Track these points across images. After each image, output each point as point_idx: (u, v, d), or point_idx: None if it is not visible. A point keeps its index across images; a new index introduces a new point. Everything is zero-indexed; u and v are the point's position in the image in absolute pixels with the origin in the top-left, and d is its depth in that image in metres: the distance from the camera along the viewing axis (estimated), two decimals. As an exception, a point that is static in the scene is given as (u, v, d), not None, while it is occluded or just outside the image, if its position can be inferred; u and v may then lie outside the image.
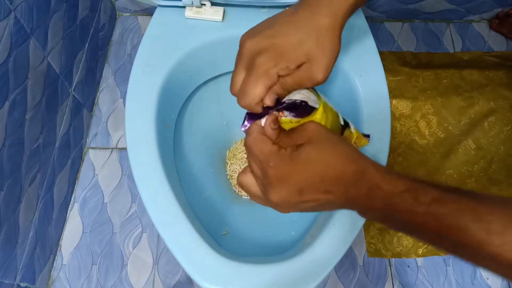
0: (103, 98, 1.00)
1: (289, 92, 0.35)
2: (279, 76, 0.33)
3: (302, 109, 0.34)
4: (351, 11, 0.35)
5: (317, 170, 0.31)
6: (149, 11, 1.10)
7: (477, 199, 0.28)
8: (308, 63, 0.33)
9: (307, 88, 0.35)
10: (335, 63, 0.34)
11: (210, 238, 0.52)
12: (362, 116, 0.57)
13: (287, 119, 0.34)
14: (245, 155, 0.71)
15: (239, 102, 0.34)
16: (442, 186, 0.29)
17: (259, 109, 0.34)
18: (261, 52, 0.33)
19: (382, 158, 0.54)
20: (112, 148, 0.95)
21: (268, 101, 0.33)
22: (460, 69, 1.05)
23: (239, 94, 0.34)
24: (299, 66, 0.33)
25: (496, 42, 1.12)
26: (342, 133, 0.40)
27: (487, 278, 0.86)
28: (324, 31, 0.33)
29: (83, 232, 0.87)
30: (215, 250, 0.48)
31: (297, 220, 0.63)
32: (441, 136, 0.98)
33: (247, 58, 0.34)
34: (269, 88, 0.33)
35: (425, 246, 0.88)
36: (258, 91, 0.33)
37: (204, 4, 0.62)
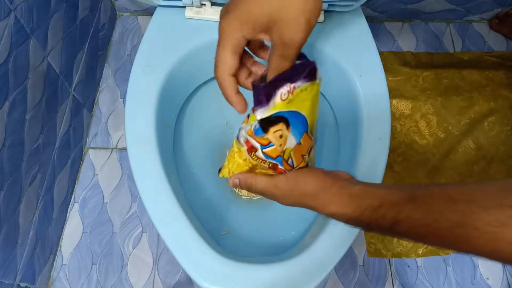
0: (103, 98, 1.00)
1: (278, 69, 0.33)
2: (247, 40, 0.32)
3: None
4: None
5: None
6: (149, 11, 1.10)
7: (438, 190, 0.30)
8: (276, 26, 0.30)
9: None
10: (312, 23, 0.30)
11: (210, 238, 0.52)
12: (362, 116, 0.57)
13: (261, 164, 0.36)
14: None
15: (215, 75, 0.34)
16: (404, 193, 0.31)
17: (233, 84, 0.34)
18: (227, 13, 0.32)
19: (382, 158, 0.54)
20: (112, 148, 0.95)
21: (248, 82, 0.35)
22: (460, 69, 1.05)
23: (214, 68, 0.34)
24: (268, 31, 0.31)
25: (496, 42, 1.13)
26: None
27: (487, 278, 0.86)
28: None
29: (83, 232, 0.87)
30: (215, 250, 0.48)
31: (297, 220, 0.63)
32: (441, 136, 0.98)
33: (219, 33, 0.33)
34: (238, 54, 0.33)
35: (425, 246, 0.88)
36: (225, 56, 0.32)
37: (204, 4, 0.62)
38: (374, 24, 1.14)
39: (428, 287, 0.85)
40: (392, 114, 1.00)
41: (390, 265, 0.86)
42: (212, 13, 0.62)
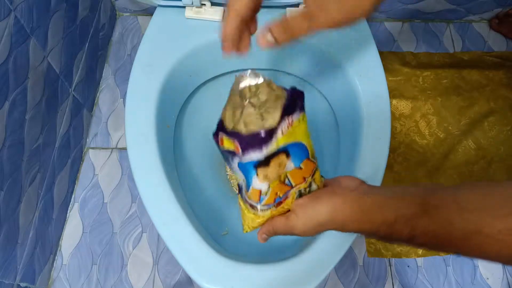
0: (103, 98, 1.00)
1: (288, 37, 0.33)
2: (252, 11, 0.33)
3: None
4: None
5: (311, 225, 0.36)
6: (149, 11, 1.10)
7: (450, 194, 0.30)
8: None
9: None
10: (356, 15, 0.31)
11: (210, 238, 0.52)
12: (362, 116, 0.57)
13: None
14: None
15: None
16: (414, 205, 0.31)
17: (229, 44, 0.34)
18: None
19: (382, 158, 0.54)
20: (112, 148, 0.95)
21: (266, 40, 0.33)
22: (460, 69, 1.05)
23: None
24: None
25: (496, 42, 1.12)
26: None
27: (487, 278, 0.86)
28: None
29: (83, 232, 0.87)
30: (215, 250, 0.48)
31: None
32: (441, 136, 0.98)
33: None
34: (242, 21, 0.33)
35: (425, 246, 0.88)
36: (229, 21, 0.33)
37: (204, 4, 0.62)
38: (374, 24, 1.14)
39: (428, 287, 0.85)
40: (392, 114, 1.00)
41: (390, 265, 0.86)
42: (212, 13, 0.62)
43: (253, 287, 0.46)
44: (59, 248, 0.85)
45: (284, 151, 0.33)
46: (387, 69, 1.03)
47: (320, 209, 0.35)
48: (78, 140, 0.91)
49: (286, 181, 0.35)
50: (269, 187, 0.34)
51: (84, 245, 0.86)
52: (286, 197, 0.36)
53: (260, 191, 0.34)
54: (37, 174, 0.74)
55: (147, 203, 0.50)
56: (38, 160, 0.74)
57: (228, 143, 0.32)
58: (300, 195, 0.37)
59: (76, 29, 0.84)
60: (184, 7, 0.63)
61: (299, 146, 0.34)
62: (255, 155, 0.31)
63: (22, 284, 0.72)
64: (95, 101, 1.00)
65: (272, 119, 0.31)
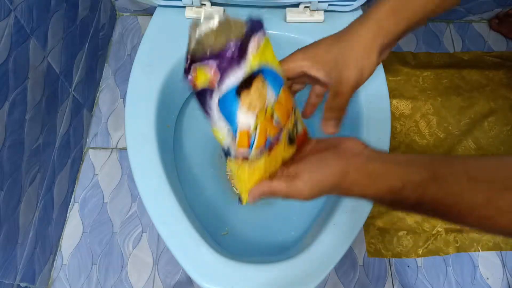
0: (103, 98, 1.00)
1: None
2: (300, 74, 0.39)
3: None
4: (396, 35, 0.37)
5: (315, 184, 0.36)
6: (149, 11, 1.10)
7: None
8: (336, 66, 0.37)
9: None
10: (365, 74, 0.37)
11: (210, 238, 0.52)
12: (362, 116, 0.57)
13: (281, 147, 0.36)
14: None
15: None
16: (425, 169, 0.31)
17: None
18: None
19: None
20: (112, 148, 0.95)
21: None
22: (460, 69, 1.06)
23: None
24: (327, 72, 0.38)
25: (496, 42, 1.13)
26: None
27: (487, 278, 0.86)
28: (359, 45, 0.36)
29: (83, 232, 0.87)
30: (215, 250, 0.48)
31: (297, 220, 0.63)
32: (441, 136, 0.99)
33: None
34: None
35: (425, 246, 0.88)
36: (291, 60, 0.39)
37: (204, 4, 0.62)
38: (374, 24, 1.14)
39: (428, 287, 0.85)
40: (392, 114, 1.00)
41: (390, 265, 0.86)
42: (212, 13, 0.62)
43: (253, 287, 0.46)
44: (59, 248, 0.85)
45: (260, 73, 0.32)
46: (387, 69, 1.03)
47: (327, 174, 0.34)
48: (78, 140, 0.91)
49: (275, 117, 0.34)
50: (256, 122, 0.33)
51: (84, 245, 0.86)
52: (278, 140, 0.35)
53: (249, 131, 0.33)
54: (37, 174, 0.74)
55: (147, 203, 0.50)
56: (38, 160, 0.74)
57: (203, 76, 0.31)
58: (291, 140, 0.37)
59: (76, 29, 0.84)
60: (184, 7, 0.63)
61: (272, 73, 0.34)
62: (234, 77, 0.30)
63: (22, 284, 0.72)
64: (95, 101, 1.00)
65: (238, 30, 0.31)
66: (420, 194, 0.30)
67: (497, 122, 0.99)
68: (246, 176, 0.36)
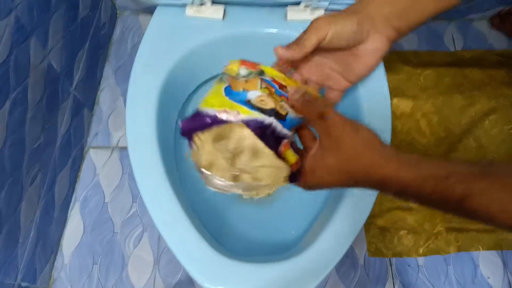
0: (104, 97, 1.00)
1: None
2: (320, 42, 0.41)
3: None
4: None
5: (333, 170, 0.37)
6: (150, 10, 1.09)
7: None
8: (351, 55, 0.43)
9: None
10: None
11: (210, 238, 0.52)
12: (362, 115, 0.57)
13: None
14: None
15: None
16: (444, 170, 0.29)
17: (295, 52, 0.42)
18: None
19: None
20: (113, 147, 0.95)
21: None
22: (461, 67, 1.05)
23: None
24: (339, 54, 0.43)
25: (497, 41, 1.12)
26: None
27: (488, 277, 0.86)
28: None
29: (84, 232, 0.87)
30: (216, 250, 0.48)
31: (298, 219, 0.63)
32: (442, 135, 0.98)
33: None
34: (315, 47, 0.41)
35: (426, 245, 0.88)
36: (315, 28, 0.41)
37: (205, 3, 0.62)
38: (375, 23, 1.14)
39: (429, 287, 0.85)
40: (393, 113, 1.00)
41: (390, 265, 0.86)
42: (213, 12, 0.62)
43: (253, 287, 0.46)
44: (60, 248, 0.85)
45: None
46: (388, 68, 1.03)
47: (365, 152, 0.33)
48: (78, 139, 0.91)
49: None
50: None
51: (85, 244, 0.86)
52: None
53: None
54: (38, 173, 0.74)
55: (148, 202, 0.50)
56: (39, 159, 0.74)
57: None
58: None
59: (77, 28, 0.84)
60: (184, 5, 0.62)
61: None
62: None
63: (23, 284, 0.72)
64: (96, 100, 1.00)
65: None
66: (468, 186, 0.26)
67: (498, 121, 0.99)
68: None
